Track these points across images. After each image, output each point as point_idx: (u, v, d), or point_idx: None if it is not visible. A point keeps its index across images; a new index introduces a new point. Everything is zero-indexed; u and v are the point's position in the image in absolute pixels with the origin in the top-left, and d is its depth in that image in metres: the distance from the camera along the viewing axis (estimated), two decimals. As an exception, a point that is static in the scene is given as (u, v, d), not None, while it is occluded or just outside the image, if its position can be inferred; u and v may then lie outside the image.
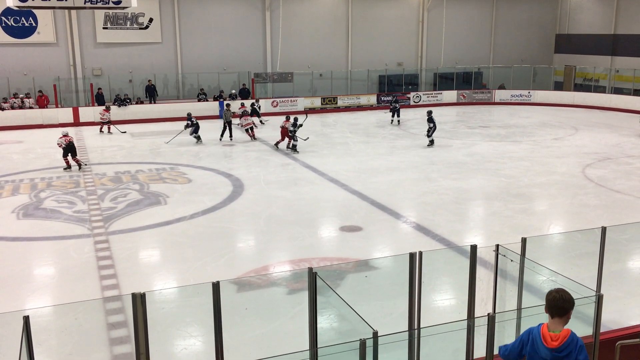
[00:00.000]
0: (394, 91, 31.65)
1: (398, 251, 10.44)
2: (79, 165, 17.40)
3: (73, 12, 26.84)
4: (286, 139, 20.04)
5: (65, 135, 17.22)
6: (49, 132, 23.06)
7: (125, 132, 23.72)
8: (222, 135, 21.98)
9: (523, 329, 5.89)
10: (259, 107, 26.33)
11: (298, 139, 19.68)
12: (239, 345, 7.29)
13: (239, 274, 9.80)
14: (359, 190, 14.90)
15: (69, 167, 17.29)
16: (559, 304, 3.85)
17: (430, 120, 20.32)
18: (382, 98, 30.76)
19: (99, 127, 24.07)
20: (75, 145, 17.72)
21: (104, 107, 24.14)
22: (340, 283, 9.10)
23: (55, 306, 8.50)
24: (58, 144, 17.39)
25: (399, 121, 25.79)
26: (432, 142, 20.41)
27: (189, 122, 21.39)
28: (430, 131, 20.33)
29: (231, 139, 21.89)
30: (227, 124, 21.97)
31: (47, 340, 7.74)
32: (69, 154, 17.25)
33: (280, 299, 9.02)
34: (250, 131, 22.13)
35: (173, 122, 25.12)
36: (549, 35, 36.51)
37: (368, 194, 14.55)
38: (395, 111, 25.93)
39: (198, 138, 21.45)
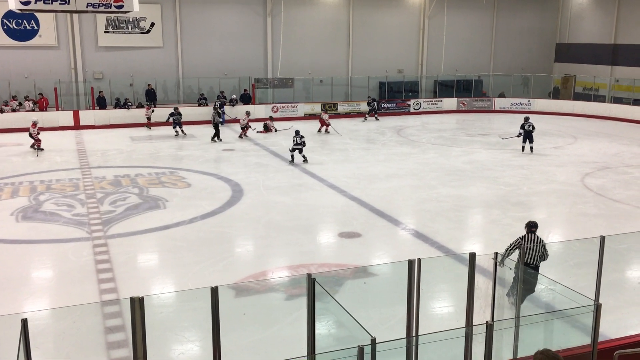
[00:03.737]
0: (394, 98, 31.72)
1: (397, 258, 10.44)
2: None
3: (75, 15, 26.93)
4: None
5: None
6: (49, 135, 23.07)
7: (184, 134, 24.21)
8: (213, 137, 22.90)
9: (522, 338, 5.91)
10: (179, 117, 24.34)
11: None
12: (236, 350, 7.28)
13: (238, 279, 9.79)
14: (358, 196, 14.91)
15: None
16: None
17: (522, 127, 20.44)
18: (383, 105, 30.81)
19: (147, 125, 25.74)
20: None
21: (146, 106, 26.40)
22: (338, 289, 9.10)
23: (53, 309, 8.49)
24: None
25: (375, 117, 28.87)
26: (523, 149, 20.57)
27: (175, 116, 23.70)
28: (521, 136, 20.49)
29: (219, 140, 22.77)
30: (215, 126, 23.03)
31: (44, 343, 7.72)
32: None
33: (278, 304, 9.01)
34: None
35: (172, 125, 25.18)
36: (549, 44, 36.62)
37: (367, 200, 14.56)
38: (371, 109, 28.92)
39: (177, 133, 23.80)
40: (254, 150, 21.32)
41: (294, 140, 18.76)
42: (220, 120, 24.31)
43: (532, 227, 8.52)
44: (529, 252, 8.20)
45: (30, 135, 20.31)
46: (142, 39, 28.58)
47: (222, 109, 26.93)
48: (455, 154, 20.42)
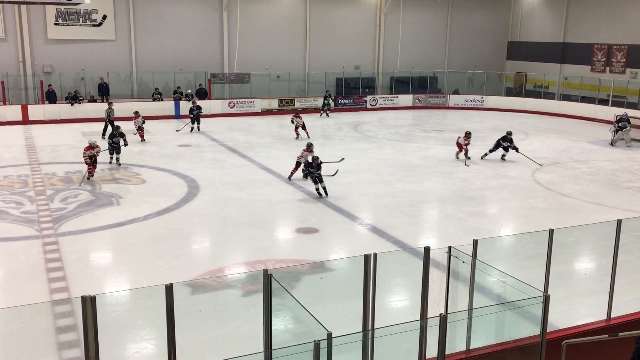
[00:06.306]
0: (351, 94, 31.89)
1: (353, 253, 10.51)
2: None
3: (23, 6, 26.03)
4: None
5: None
6: (-4, 129, 22.29)
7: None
8: (103, 134, 21.42)
9: (474, 329, 6.04)
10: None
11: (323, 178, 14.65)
12: (192, 348, 7.21)
13: (194, 276, 9.69)
14: (315, 191, 14.92)
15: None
16: None
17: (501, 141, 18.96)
18: (340, 101, 30.91)
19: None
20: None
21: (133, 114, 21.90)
22: (295, 285, 9.10)
23: (0, 310, 8.21)
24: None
25: (327, 114, 28.68)
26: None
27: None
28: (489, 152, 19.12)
29: (104, 138, 20.85)
30: (109, 123, 21.29)
31: (-8, 345, 7.47)
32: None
33: (235, 301, 8.95)
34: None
35: (125, 121, 24.62)
36: (501, 42, 37.44)
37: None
38: (325, 104, 28.78)
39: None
40: (210, 146, 21.10)
41: (306, 164, 15.05)
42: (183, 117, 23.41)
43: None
44: None
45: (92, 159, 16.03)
46: (93, 32, 27.84)
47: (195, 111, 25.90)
48: (411, 150, 20.68)
